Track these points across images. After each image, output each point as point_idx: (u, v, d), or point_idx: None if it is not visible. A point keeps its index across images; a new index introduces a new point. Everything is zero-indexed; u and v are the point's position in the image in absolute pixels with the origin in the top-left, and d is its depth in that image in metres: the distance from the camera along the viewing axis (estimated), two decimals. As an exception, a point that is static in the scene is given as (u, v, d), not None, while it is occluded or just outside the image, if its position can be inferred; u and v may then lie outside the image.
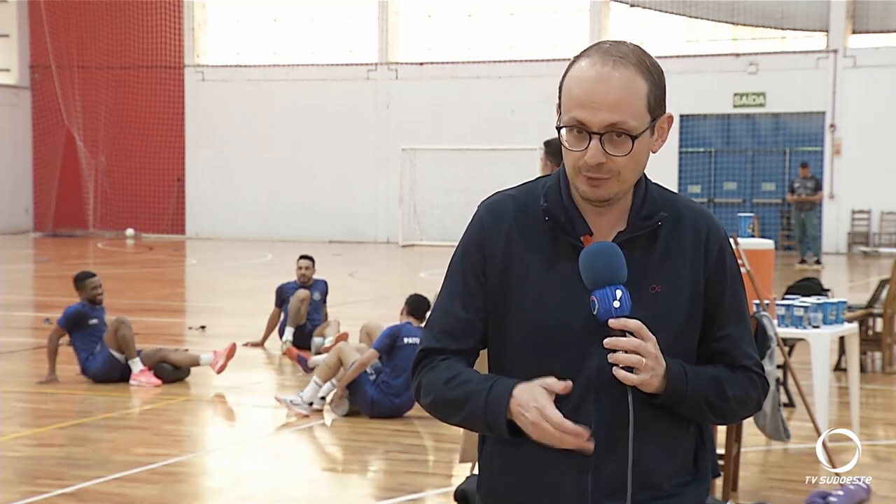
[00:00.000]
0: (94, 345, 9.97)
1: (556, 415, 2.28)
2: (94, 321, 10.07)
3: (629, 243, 2.40)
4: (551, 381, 2.31)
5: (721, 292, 2.47)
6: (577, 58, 2.39)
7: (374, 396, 8.50)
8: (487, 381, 2.40)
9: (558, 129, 2.38)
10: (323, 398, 8.73)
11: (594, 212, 2.44)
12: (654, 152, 2.44)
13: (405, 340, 8.45)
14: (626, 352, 2.29)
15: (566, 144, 2.37)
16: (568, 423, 2.28)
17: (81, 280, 10.23)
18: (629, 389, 2.32)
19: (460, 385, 2.42)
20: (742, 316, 2.51)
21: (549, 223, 2.43)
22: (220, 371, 10.05)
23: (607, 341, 2.30)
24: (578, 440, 2.29)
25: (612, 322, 2.30)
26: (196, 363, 10.12)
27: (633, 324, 2.30)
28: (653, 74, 2.36)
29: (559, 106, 2.40)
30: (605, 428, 2.37)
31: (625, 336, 2.30)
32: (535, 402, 2.30)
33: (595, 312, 2.32)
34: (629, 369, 2.30)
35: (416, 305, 8.81)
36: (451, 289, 2.51)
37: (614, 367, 2.30)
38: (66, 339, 10.15)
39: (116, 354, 9.90)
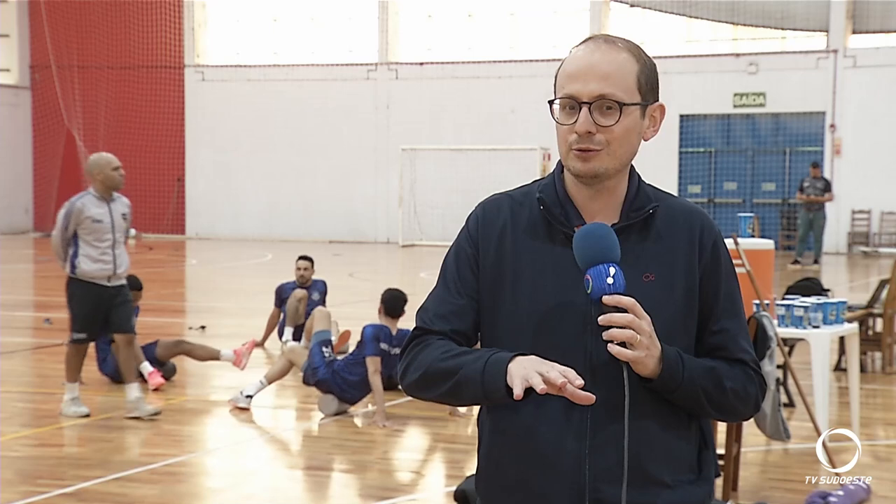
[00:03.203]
0: (110, 347, 9.95)
1: (559, 367, 2.27)
2: None
3: (622, 232, 2.44)
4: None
5: (716, 287, 2.50)
6: (573, 48, 2.50)
7: (323, 377, 8.62)
8: (488, 351, 2.41)
9: (550, 103, 2.46)
10: (250, 396, 8.90)
11: (588, 202, 2.48)
12: (645, 140, 2.50)
13: (380, 345, 8.50)
14: (620, 328, 2.30)
15: (558, 120, 2.44)
16: (569, 372, 2.25)
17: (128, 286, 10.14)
18: (625, 366, 2.32)
19: (456, 356, 2.43)
20: (737, 311, 2.53)
21: (544, 213, 2.48)
22: (243, 367, 10.03)
23: (602, 318, 2.31)
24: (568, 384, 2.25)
25: (605, 298, 2.31)
26: (216, 357, 10.09)
27: (627, 300, 2.31)
28: (644, 60, 2.46)
29: (555, 91, 2.49)
30: (601, 413, 2.37)
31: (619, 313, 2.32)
32: (537, 359, 2.31)
33: (589, 291, 2.33)
34: (624, 346, 2.31)
35: (392, 304, 8.78)
36: (445, 279, 2.55)
37: (609, 344, 2.31)
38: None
39: None
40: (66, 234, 8.48)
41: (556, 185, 2.52)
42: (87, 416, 8.52)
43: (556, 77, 2.49)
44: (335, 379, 8.60)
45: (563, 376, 2.24)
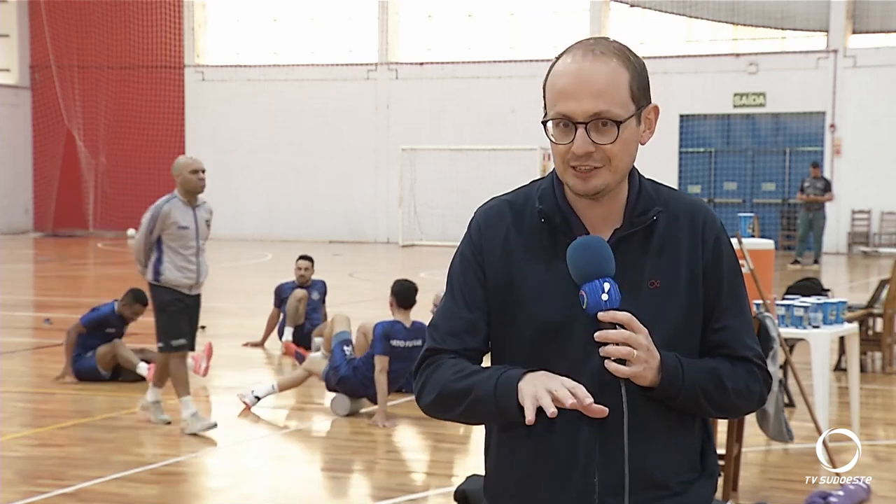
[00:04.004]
0: (94, 346, 9.94)
1: (568, 384, 2.26)
2: (112, 330, 10.02)
3: (626, 239, 2.41)
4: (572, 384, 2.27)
5: (719, 284, 2.46)
6: (560, 55, 2.43)
7: (345, 374, 8.64)
8: (499, 369, 2.39)
9: (544, 123, 2.40)
10: (259, 397, 8.93)
11: (589, 210, 2.44)
12: (642, 143, 2.45)
13: (391, 343, 8.47)
14: (616, 344, 2.29)
15: (553, 139, 2.39)
16: (578, 389, 2.24)
17: (133, 299, 10.06)
18: (623, 383, 2.31)
19: (469, 375, 2.40)
20: (741, 308, 2.50)
21: (546, 224, 2.44)
22: (204, 374, 10.01)
23: (598, 334, 2.29)
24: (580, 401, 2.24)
25: (601, 315, 2.29)
26: None
27: (623, 315, 2.29)
28: (634, 65, 2.39)
29: (545, 103, 2.43)
30: (608, 428, 2.36)
31: (615, 329, 2.29)
32: (547, 376, 2.29)
33: (584, 306, 2.31)
34: (622, 362, 2.29)
35: (403, 295, 8.71)
36: (453, 292, 2.51)
37: (606, 361, 2.29)
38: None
39: (102, 371, 9.87)
40: (150, 239, 8.01)
41: (555, 191, 2.47)
42: (215, 426, 8.05)
43: (544, 88, 2.42)
44: (356, 375, 8.60)
45: (571, 395, 2.22)
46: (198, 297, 8.28)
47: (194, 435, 7.98)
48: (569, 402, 2.21)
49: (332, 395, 8.83)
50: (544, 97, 2.43)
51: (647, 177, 2.54)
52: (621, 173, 2.40)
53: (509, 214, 2.49)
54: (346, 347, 8.88)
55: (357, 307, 14.41)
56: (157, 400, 8.37)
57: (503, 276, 2.45)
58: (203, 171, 8.27)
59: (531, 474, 2.45)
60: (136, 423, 8.48)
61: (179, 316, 8.10)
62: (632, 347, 2.28)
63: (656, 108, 2.46)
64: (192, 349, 8.44)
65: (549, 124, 2.39)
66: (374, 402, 8.67)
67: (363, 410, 8.79)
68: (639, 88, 2.39)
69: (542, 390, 2.25)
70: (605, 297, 2.29)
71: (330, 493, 6.98)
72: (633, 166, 2.48)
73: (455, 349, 2.47)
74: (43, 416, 8.72)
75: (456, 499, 6.04)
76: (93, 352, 9.91)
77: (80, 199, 33.90)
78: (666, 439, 2.43)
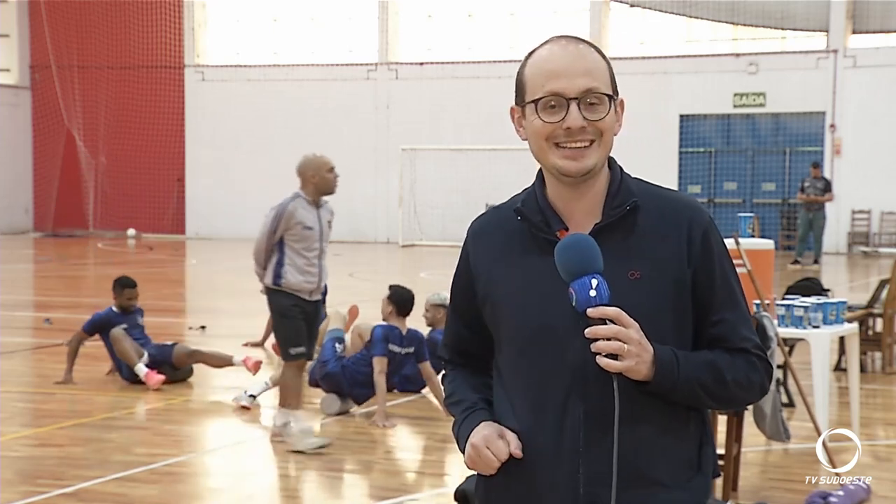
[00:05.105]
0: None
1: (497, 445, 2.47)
2: (123, 327, 9.98)
3: (606, 231, 2.43)
4: (511, 436, 2.46)
5: (711, 279, 2.47)
6: (533, 51, 2.52)
7: (332, 370, 8.63)
8: (465, 411, 2.58)
9: (523, 106, 2.46)
10: (253, 396, 8.92)
11: (568, 204, 2.46)
12: (615, 134, 2.49)
13: (388, 346, 8.48)
14: (607, 339, 2.30)
15: (541, 118, 2.43)
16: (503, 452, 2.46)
17: (120, 287, 10.11)
18: (615, 378, 2.32)
19: (453, 405, 2.65)
20: (736, 301, 2.50)
21: (524, 223, 2.48)
22: (253, 372, 9.81)
23: (588, 331, 2.31)
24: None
25: (590, 311, 2.30)
26: (230, 363, 10.02)
27: (612, 311, 2.30)
28: (606, 57, 2.51)
29: (520, 96, 2.49)
30: (594, 421, 2.37)
31: (605, 324, 2.31)
32: (486, 433, 2.48)
33: (574, 304, 2.33)
34: (613, 357, 2.31)
35: (404, 304, 8.79)
36: (452, 306, 2.67)
37: (597, 356, 2.31)
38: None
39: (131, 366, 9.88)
40: (272, 239, 7.65)
41: (536, 193, 2.51)
42: (327, 445, 7.55)
43: (522, 80, 2.50)
44: (344, 374, 8.60)
45: (495, 457, 2.46)
46: (317, 303, 7.78)
47: (299, 452, 7.41)
48: (492, 468, 2.50)
49: (325, 394, 8.82)
50: (521, 87, 2.49)
51: (644, 179, 2.56)
52: (607, 153, 2.46)
53: (495, 222, 2.55)
54: (337, 344, 8.89)
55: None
56: (286, 422, 7.60)
57: (491, 284, 2.51)
58: (336, 170, 7.98)
59: (518, 468, 2.46)
60: (137, 423, 8.48)
61: (299, 322, 7.61)
62: (622, 342, 2.30)
63: (623, 102, 2.53)
64: (311, 358, 7.99)
65: (536, 106, 2.43)
66: (358, 402, 8.72)
67: (362, 411, 8.79)
68: (612, 78, 2.48)
69: (479, 454, 2.50)
70: (593, 293, 2.31)
71: (329, 493, 6.98)
72: (615, 161, 2.51)
73: (451, 359, 2.70)
74: (43, 416, 8.72)
75: (456, 498, 6.04)
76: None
77: (80, 199, 33.91)
78: (658, 437, 2.43)
